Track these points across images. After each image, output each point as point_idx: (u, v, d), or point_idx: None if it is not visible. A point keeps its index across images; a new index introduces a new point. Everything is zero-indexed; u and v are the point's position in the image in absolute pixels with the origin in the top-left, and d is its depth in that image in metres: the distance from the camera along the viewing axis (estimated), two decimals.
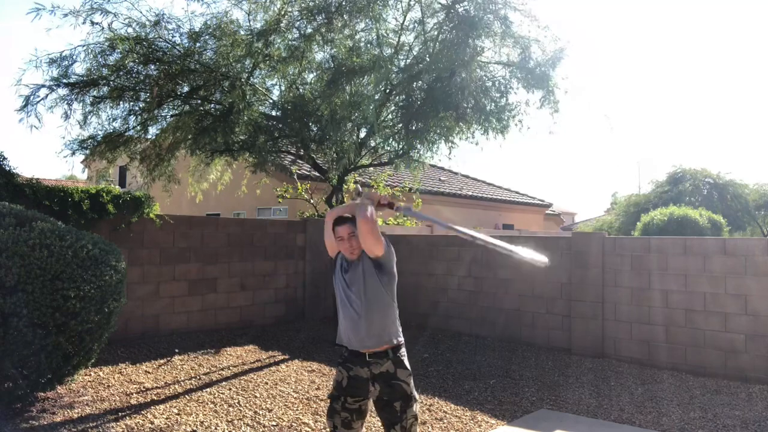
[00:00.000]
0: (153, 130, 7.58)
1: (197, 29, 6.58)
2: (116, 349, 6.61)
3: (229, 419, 4.58)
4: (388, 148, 7.75)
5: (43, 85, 6.32)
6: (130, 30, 6.40)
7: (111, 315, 4.78)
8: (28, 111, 6.31)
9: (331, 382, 2.88)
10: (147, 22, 6.44)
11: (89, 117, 6.74)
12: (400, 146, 7.22)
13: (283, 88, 7.49)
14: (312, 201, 9.96)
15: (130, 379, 5.60)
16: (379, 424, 4.44)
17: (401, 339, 2.94)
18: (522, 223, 19.72)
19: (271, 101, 7.43)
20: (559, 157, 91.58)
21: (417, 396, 2.93)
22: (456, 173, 19.54)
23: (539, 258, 2.83)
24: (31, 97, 6.31)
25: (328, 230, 2.93)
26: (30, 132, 7.70)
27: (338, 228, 2.85)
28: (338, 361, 2.87)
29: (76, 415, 4.51)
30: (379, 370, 2.79)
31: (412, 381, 2.89)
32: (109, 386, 5.33)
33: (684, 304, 6.50)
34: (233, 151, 7.44)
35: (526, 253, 2.79)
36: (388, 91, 6.83)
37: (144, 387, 5.37)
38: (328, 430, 2.85)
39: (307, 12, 6.26)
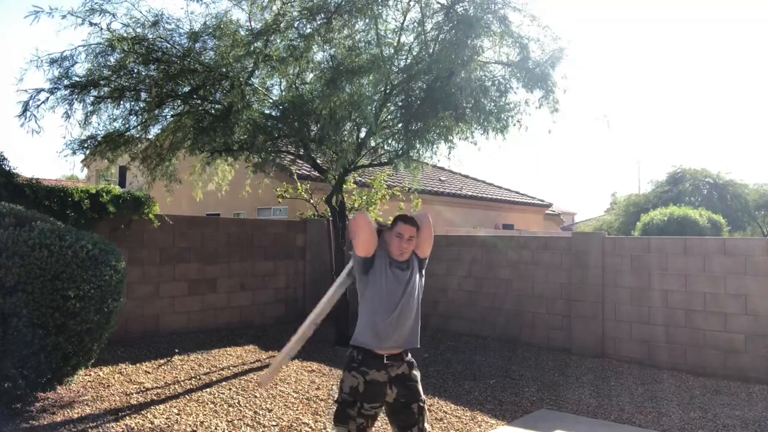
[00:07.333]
0: (154, 130, 7.58)
1: (197, 29, 6.58)
2: (116, 349, 6.62)
3: (229, 419, 4.58)
4: (388, 148, 7.73)
5: (42, 89, 6.32)
6: (129, 30, 6.40)
7: (111, 315, 4.79)
8: (27, 116, 6.31)
9: (333, 383, 2.86)
10: (146, 23, 6.44)
11: (90, 117, 6.73)
12: (400, 146, 7.21)
13: (282, 87, 7.50)
14: (312, 201, 9.96)
15: (130, 379, 5.60)
16: (383, 426, 4.45)
17: None
18: (522, 223, 19.72)
19: (270, 101, 7.42)
20: (558, 157, 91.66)
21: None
22: (456, 173, 19.52)
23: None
24: (30, 102, 6.31)
25: (369, 229, 2.80)
26: (31, 137, 7.71)
27: (404, 226, 2.84)
28: (351, 365, 2.78)
29: (76, 415, 4.52)
30: (396, 373, 2.79)
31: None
32: (109, 386, 5.33)
33: (684, 304, 6.50)
34: (233, 151, 7.45)
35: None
36: (387, 91, 6.82)
37: (144, 387, 5.37)
38: None
39: (307, 12, 6.26)
